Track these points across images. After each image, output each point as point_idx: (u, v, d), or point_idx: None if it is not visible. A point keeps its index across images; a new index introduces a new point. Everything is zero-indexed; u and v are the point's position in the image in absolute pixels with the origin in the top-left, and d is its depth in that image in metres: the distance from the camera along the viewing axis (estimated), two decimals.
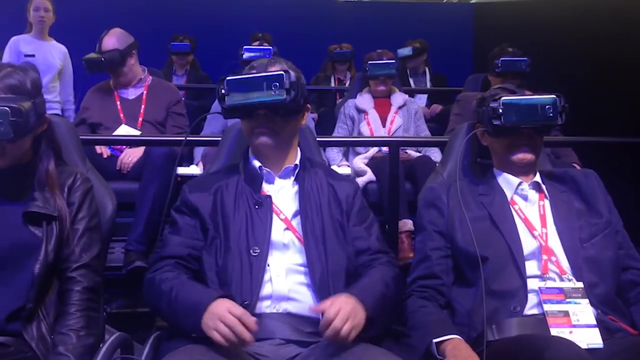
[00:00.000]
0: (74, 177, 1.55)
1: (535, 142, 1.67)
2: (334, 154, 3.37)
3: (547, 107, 1.63)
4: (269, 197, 1.56)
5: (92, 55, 2.99)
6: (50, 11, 3.94)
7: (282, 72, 1.50)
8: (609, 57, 3.92)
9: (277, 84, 1.49)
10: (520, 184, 1.68)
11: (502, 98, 1.64)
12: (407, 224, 2.86)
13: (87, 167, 1.73)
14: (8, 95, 1.42)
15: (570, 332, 1.44)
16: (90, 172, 1.69)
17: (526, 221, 1.62)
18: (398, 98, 3.50)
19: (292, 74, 1.51)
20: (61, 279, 1.47)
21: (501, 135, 1.67)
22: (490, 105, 1.65)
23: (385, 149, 3.11)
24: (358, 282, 1.47)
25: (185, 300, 1.38)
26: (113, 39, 2.99)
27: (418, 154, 3.25)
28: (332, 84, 5.08)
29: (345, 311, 1.31)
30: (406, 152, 3.22)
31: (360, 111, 3.46)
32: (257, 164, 1.60)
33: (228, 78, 1.52)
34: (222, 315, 1.29)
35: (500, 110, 1.63)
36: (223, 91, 1.51)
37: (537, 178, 1.70)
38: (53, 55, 3.95)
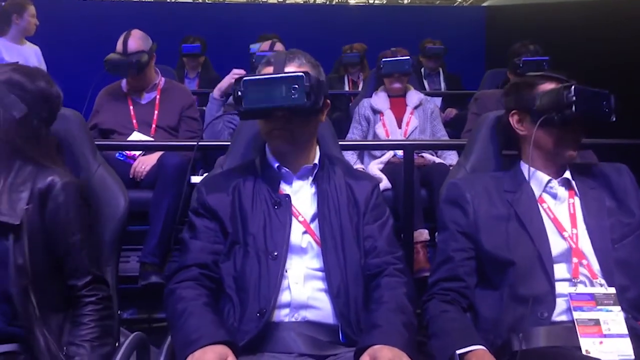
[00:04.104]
0: (50, 183, 1.42)
1: (580, 139, 1.61)
2: (348, 157, 3.33)
3: (603, 102, 1.57)
4: (288, 196, 1.53)
5: (116, 56, 2.94)
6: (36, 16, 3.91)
7: (301, 74, 1.44)
8: (621, 59, 3.87)
9: (297, 85, 1.42)
10: (549, 181, 1.60)
11: (574, 86, 1.55)
12: (422, 234, 2.81)
13: (98, 161, 1.70)
14: None
15: (601, 343, 1.39)
16: (101, 167, 1.67)
17: (555, 221, 1.56)
18: (413, 97, 3.45)
19: (312, 75, 1.45)
20: (72, 292, 1.44)
21: (560, 126, 1.57)
22: (564, 92, 1.55)
23: (400, 153, 3.07)
24: (376, 323, 1.37)
25: (188, 329, 1.33)
26: (138, 40, 2.97)
27: (434, 158, 3.21)
28: (346, 85, 5.05)
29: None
30: (422, 156, 3.17)
31: (375, 112, 3.42)
32: (275, 162, 1.56)
33: (245, 78, 1.45)
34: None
35: (574, 98, 1.53)
36: (239, 93, 1.45)
37: (567, 174, 1.62)
38: (30, 59, 3.86)
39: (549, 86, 1.61)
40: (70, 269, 1.43)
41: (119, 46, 2.95)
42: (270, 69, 1.51)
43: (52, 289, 1.43)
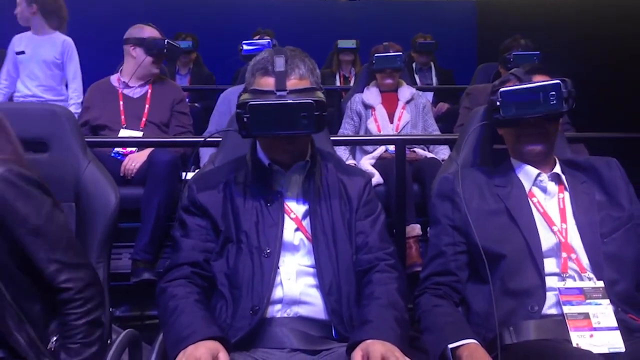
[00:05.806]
0: None
1: (547, 130, 1.60)
2: (340, 152, 3.32)
3: (550, 94, 1.53)
4: (280, 193, 1.52)
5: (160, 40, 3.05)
6: (23, 3, 3.67)
7: (312, 102, 1.41)
8: (612, 54, 3.87)
9: (306, 113, 1.40)
10: (539, 175, 1.61)
11: (500, 89, 1.56)
12: (415, 229, 2.81)
13: (88, 158, 1.69)
14: None
15: (591, 336, 1.40)
16: (91, 164, 1.66)
17: (545, 215, 1.56)
18: (405, 92, 3.44)
19: (321, 99, 1.43)
20: (51, 288, 1.37)
21: (507, 126, 1.61)
22: (491, 97, 1.58)
23: (392, 148, 3.07)
24: (368, 318, 1.36)
25: (179, 326, 1.32)
26: (156, 32, 3.08)
27: (426, 153, 3.20)
28: (337, 81, 5.02)
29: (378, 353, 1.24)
30: (414, 151, 3.17)
31: (367, 107, 3.41)
32: (266, 159, 1.55)
33: (251, 103, 1.41)
34: (200, 357, 1.22)
35: (498, 103, 1.55)
36: (245, 119, 1.42)
37: (557, 169, 1.63)
38: (47, 48, 3.73)
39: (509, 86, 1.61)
40: (37, 261, 1.34)
41: (155, 33, 3.06)
42: (270, 81, 1.46)
43: (26, 280, 1.35)
